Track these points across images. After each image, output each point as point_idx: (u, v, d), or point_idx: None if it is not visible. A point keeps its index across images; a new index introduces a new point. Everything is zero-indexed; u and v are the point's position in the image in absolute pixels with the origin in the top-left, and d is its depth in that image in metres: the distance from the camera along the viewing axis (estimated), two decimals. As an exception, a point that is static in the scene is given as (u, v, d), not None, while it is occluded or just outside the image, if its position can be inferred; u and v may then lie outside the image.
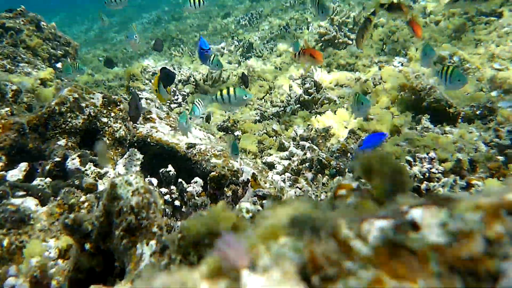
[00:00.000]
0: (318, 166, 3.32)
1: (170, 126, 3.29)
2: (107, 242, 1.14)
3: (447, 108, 3.63)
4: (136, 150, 2.81)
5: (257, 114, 4.92)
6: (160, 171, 2.65)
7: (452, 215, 0.53)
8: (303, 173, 3.40)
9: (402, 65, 5.30)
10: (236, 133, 4.31)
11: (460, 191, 2.45)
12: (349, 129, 3.88)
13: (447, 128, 3.44)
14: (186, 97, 5.53)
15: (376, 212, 0.61)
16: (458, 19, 5.76)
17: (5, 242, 1.87)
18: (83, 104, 2.78)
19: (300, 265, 0.55)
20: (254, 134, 4.30)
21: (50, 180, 2.38)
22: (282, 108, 4.88)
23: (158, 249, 1.09)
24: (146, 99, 4.03)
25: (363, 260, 0.53)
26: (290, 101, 4.91)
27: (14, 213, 1.96)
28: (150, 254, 1.05)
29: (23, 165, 2.45)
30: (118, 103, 2.96)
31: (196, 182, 2.65)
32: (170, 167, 2.66)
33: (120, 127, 2.89)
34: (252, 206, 2.27)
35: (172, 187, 2.56)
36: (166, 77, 2.79)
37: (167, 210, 2.42)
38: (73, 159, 2.47)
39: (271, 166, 3.69)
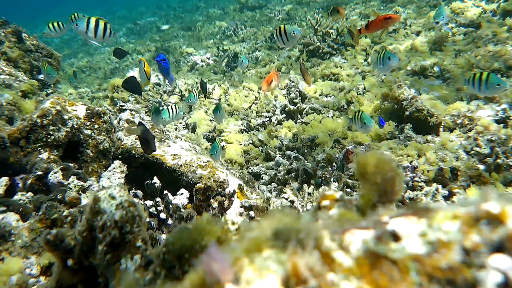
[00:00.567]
0: (304, 176, 3.34)
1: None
2: (90, 257, 1.12)
3: (428, 118, 3.71)
4: (120, 162, 2.77)
5: (242, 124, 4.93)
6: (145, 183, 2.62)
7: (431, 225, 0.54)
8: (289, 183, 3.41)
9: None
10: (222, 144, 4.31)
11: (443, 199, 2.50)
12: (333, 139, 3.92)
13: (429, 137, 3.51)
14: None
15: (358, 223, 0.62)
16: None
17: (-16, 259, 1.82)
18: (66, 116, 2.74)
19: (284, 277, 0.56)
20: (240, 144, 4.31)
21: (31, 194, 2.32)
22: (268, 118, 4.90)
23: (143, 263, 1.07)
24: (131, 110, 4.00)
25: (345, 271, 0.53)
26: (275, 111, 4.94)
27: (-7, 229, 1.91)
28: (134, 269, 1.04)
29: (4, 180, 2.39)
30: (102, 115, 2.93)
31: (182, 194, 2.63)
32: (155, 179, 2.63)
33: (104, 139, 2.86)
34: (237, 217, 2.26)
35: (158, 199, 2.53)
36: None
37: (152, 223, 2.39)
38: (55, 173, 2.43)
39: (257, 176, 3.69)
